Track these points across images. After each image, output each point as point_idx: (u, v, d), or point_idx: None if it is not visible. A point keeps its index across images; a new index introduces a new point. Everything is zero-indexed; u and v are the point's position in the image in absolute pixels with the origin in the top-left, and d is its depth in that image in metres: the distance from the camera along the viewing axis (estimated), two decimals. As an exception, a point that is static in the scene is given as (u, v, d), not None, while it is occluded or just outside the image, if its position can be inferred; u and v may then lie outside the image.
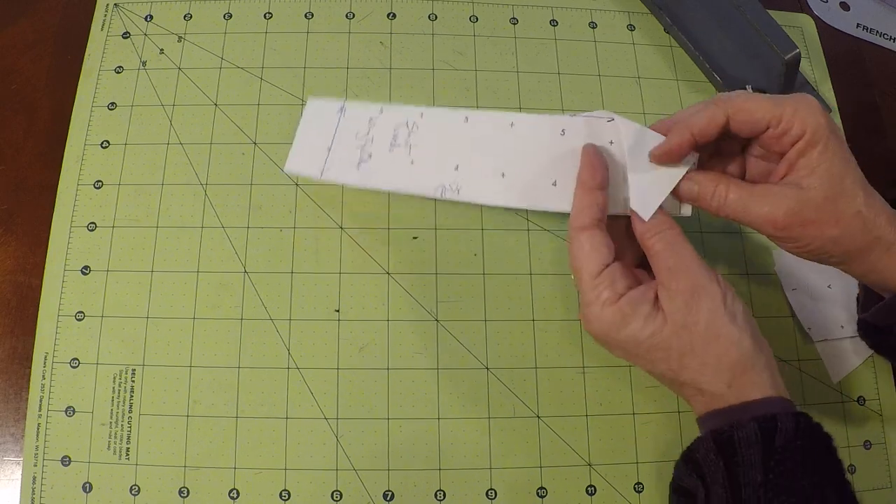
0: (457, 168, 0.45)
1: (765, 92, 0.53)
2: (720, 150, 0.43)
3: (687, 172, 0.41)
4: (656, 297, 0.39)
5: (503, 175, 0.44)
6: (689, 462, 0.38)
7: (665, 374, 0.39)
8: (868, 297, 0.45)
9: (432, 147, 0.46)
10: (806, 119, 0.38)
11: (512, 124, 0.45)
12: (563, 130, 0.44)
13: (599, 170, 0.41)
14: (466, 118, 0.47)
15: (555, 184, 0.43)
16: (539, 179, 0.44)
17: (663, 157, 0.41)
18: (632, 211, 0.41)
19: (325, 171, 0.47)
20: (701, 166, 0.42)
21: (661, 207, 0.41)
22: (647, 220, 0.41)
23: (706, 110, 0.39)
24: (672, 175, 0.42)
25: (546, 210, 0.44)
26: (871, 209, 0.38)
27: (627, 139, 0.42)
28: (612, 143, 0.43)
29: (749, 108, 0.39)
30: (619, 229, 0.42)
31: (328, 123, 0.49)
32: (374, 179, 0.46)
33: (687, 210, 0.43)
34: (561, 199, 0.43)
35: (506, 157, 0.45)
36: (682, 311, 0.38)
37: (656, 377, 0.40)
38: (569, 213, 0.42)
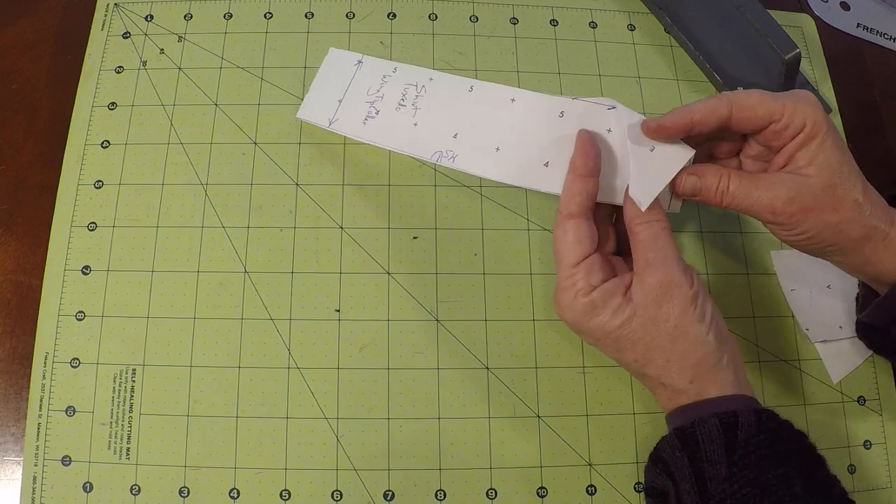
0: (455, 136, 0.46)
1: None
2: (715, 154, 0.44)
3: (683, 168, 0.42)
4: (628, 289, 0.40)
5: (497, 149, 0.45)
6: (658, 462, 0.38)
7: (631, 364, 0.40)
8: (867, 297, 0.45)
9: (436, 112, 0.47)
10: (806, 112, 0.39)
11: (513, 100, 0.46)
12: (561, 112, 0.44)
13: (592, 157, 0.41)
14: (472, 87, 0.47)
15: (547, 164, 0.44)
16: (532, 158, 0.44)
17: (656, 131, 0.41)
18: (626, 196, 0.41)
19: (334, 122, 0.49)
20: None
21: (656, 199, 0.41)
22: (644, 209, 0.41)
23: (710, 101, 0.40)
24: (671, 166, 0.42)
25: (535, 190, 0.44)
26: (868, 198, 0.40)
27: (629, 128, 0.42)
28: (609, 131, 0.43)
29: (752, 103, 0.40)
30: (603, 216, 0.43)
31: (344, 75, 0.50)
32: (378, 136, 0.47)
33: (677, 206, 0.43)
34: (551, 180, 0.43)
35: (502, 132, 0.45)
36: (653, 306, 0.38)
37: (623, 366, 0.41)
38: (557, 195, 0.42)
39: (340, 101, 0.49)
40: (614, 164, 0.43)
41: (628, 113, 0.43)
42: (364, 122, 0.48)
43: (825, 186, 0.39)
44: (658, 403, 0.41)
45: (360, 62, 0.50)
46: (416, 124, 0.47)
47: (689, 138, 0.42)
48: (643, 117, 0.42)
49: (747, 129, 0.40)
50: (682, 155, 0.42)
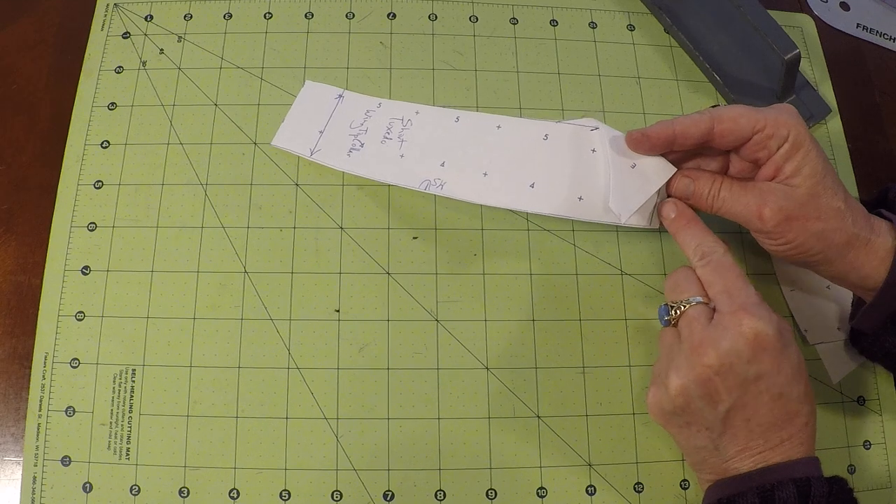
0: (443, 165, 0.47)
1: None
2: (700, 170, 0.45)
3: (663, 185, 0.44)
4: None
5: (485, 174, 0.46)
6: None
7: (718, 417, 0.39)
8: (858, 305, 0.45)
9: (422, 143, 0.48)
10: (789, 122, 0.40)
11: (499, 126, 0.47)
12: (546, 135, 0.46)
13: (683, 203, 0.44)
14: (458, 118, 0.48)
15: (533, 186, 0.45)
16: (518, 181, 0.45)
17: (640, 140, 0.43)
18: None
19: (315, 152, 0.49)
20: None
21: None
22: (623, 221, 0.43)
23: (692, 114, 0.42)
24: (652, 182, 0.44)
25: (523, 211, 0.46)
26: (849, 207, 0.41)
27: (610, 142, 0.44)
28: (594, 151, 0.45)
29: (734, 115, 0.41)
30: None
31: (324, 107, 0.51)
32: (362, 167, 0.48)
33: (658, 222, 0.45)
34: (538, 201, 0.45)
35: (489, 158, 0.46)
36: (744, 364, 0.38)
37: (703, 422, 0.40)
38: (544, 216, 0.44)
39: (322, 131, 0.49)
40: (599, 183, 0.44)
41: (611, 132, 0.44)
42: (348, 154, 0.48)
43: (810, 196, 0.40)
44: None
45: (340, 96, 0.51)
46: (402, 156, 0.48)
47: (673, 155, 0.44)
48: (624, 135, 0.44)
49: (730, 141, 0.41)
50: (663, 172, 0.44)
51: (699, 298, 0.40)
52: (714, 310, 0.39)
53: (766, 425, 0.38)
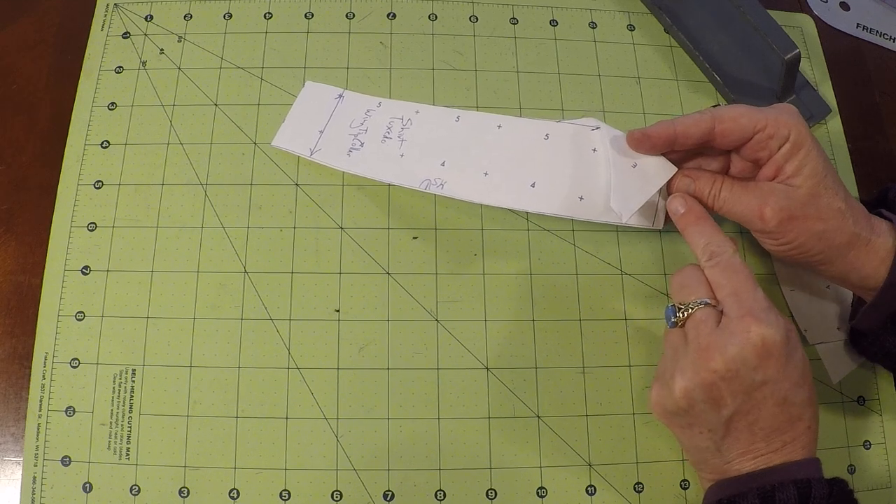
0: (443, 164, 0.47)
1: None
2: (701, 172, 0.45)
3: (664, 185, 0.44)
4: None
5: (486, 174, 0.46)
6: None
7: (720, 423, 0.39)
8: (858, 304, 0.45)
9: (423, 142, 0.48)
10: (790, 122, 0.40)
11: (499, 126, 0.47)
12: (546, 135, 0.46)
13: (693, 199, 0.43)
14: (458, 117, 0.48)
15: (533, 185, 0.45)
16: (519, 181, 0.45)
17: (640, 140, 0.43)
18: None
19: (316, 152, 0.49)
20: None
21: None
22: (624, 220, 0.43)
23: (693, 114, 0.42)
24: (653, 182, 0.44)
25: (524, 210, 0.46)
26: (850, 206, 0.41)
27: (611, 141, 0.44)
28: (594, 150, 0.45)
29: (735, 115, 0.41)
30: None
31: (324, 107, 0.51)
32: (363, 167, 0.48)
33: (660, 222, 0.45)
34: (539, 200, 0.45)
35: (490, 157, 0.46)
36: (749, 370, 0.38)
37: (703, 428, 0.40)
38: (544, 215, 0.44)
39: (322, 131, 0.50)
40: (600, 183, 0.44)
41: (611, 132, 0.44)
42: (348, 154, 0.48)
43: (811, 196, 0.40)
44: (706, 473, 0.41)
45: (340, 96, 0.51)
46: (402, 155, 0.48)
47: (674, 155, 0.44)
48: (625, 134, 0.43)
49: (731, 141, 0.41)
50: (664, 171, 0.44)
51: (707, 300, 0.40)
52: (721, 312, 0.39)
53: (769, 429, 0.38)
